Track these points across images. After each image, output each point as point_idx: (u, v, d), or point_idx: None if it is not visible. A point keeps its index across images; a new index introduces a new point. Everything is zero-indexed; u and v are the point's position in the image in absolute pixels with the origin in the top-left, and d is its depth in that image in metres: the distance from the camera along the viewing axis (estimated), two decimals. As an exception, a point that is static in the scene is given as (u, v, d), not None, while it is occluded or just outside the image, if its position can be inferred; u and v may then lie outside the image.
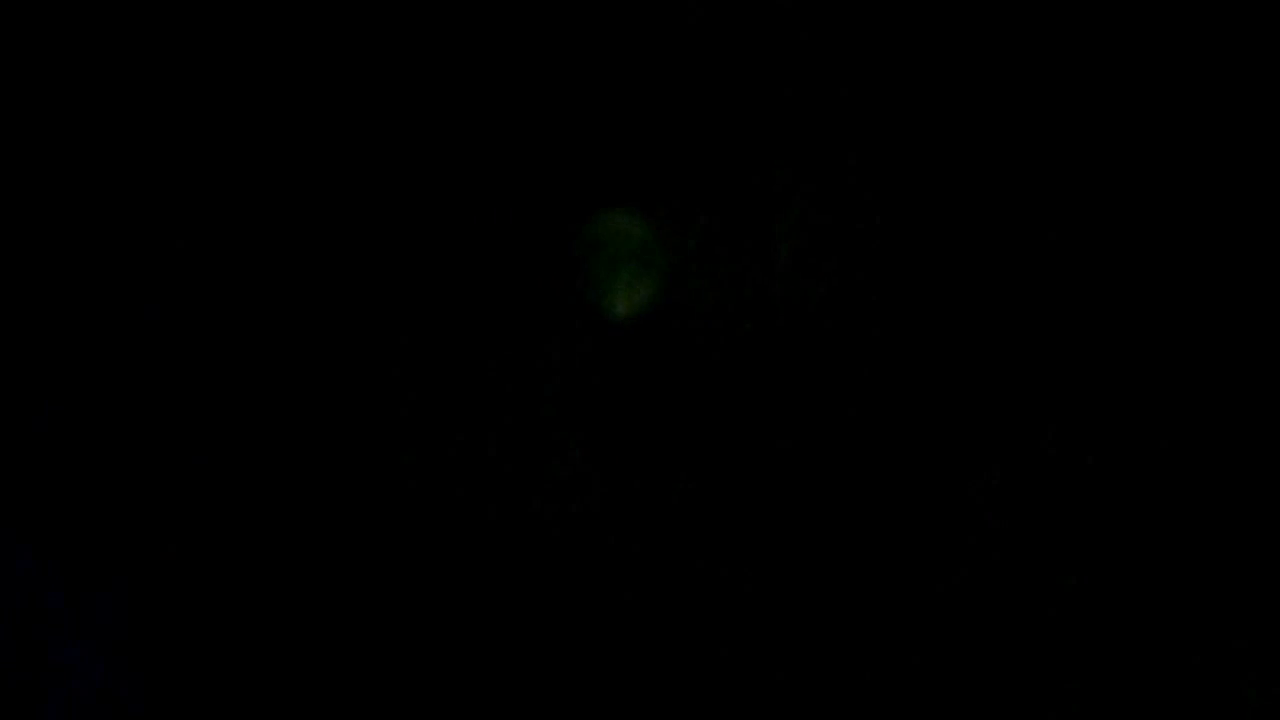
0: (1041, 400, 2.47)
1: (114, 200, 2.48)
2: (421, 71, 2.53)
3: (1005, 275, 2.50)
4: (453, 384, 2.49)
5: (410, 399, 2.48)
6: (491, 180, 2.54)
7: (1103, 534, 2.45)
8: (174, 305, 2.46)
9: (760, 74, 2.54)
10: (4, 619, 2.38)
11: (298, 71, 2.50)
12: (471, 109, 2.54)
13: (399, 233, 2.53)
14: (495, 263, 2.52)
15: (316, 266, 2.51)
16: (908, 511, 2.45)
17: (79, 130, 2.48)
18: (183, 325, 2.47)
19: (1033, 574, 2.44)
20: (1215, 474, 2.45)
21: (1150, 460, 2.46)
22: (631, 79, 2.54)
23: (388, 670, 2.44)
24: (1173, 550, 2.44)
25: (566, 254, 2.52)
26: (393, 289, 2.52)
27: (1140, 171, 2.51)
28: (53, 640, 2.38)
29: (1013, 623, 2.43)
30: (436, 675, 2.43)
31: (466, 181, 2.54)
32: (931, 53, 2.51)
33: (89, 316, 2.46)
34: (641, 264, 2.49)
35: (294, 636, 2.43)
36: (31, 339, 2.45)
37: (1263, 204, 2.49)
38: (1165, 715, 2.40)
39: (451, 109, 2.54)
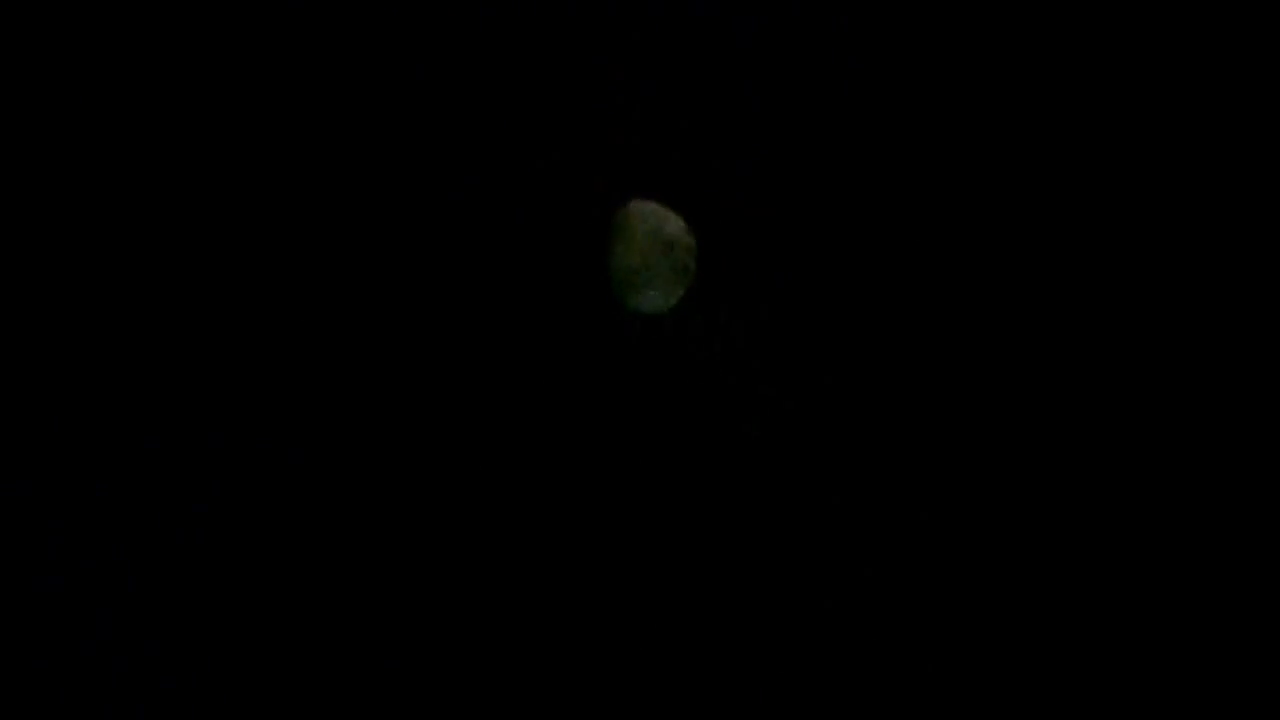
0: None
1: (110, 201, 2.46)
2: (448, 60, 2.51)
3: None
4: (468, 379, 2.49)
5: (423, 395, 2.48)
6: (516, 169, 2.51)
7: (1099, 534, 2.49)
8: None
9: (790, 69, 2.54)
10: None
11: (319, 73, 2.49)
12: (498, 99, 2.51)
13: (417, 224, 2.50)
14: (518, 255, 2.51)
15: (334, 262, 2.49)
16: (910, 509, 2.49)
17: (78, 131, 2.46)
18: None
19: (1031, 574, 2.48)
20: (1214, 474, 2.48)
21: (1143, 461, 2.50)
22: (660, 68, 2.53)
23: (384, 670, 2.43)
24: (1169, 550, 2.47)
25: (590, 247, 2.49)
26: (410, 281, 2.50)
27: (1135, 173, 2.54)
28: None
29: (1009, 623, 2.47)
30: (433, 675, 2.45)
31: (489, 171, 2.51)
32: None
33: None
34: (671, 259, 2.48)
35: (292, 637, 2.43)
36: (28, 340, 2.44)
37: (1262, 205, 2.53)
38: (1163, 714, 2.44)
39: (478, 99, 2.51)
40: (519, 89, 2.50)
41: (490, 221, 2.50)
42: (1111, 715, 2.44)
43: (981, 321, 2.52)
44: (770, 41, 2.53)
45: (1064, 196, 2.53)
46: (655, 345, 2.50)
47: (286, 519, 2.44)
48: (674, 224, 2.48)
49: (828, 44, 2.53)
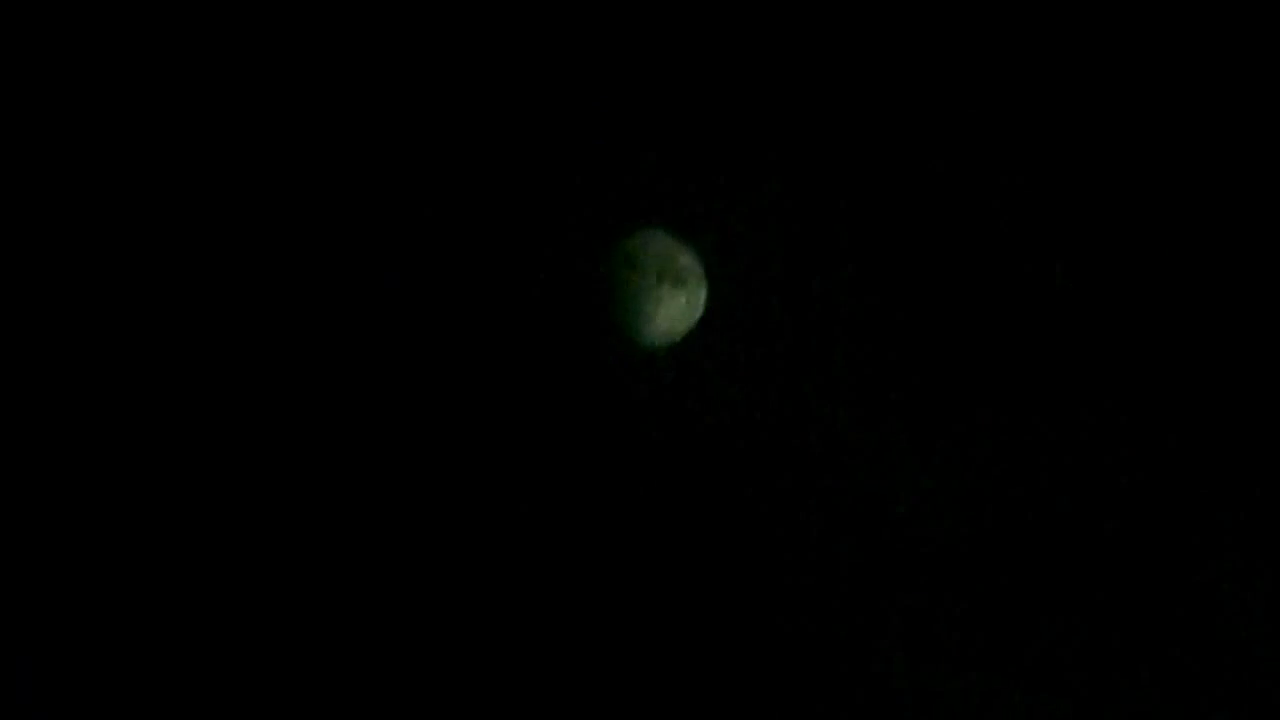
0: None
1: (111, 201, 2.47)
2: (459, 94, 2.49)
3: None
4: (472, 408, 2.47)
5: (427, 426, 2.46)
6: (525, 202, 2.49)
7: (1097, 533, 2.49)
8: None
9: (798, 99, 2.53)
10: None
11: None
12: (509, 131, 2.50)
13: (425, 253, 2.49)
14: (526, 287, 2.48)
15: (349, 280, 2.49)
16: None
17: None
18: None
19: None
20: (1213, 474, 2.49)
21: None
22: (671, 102, 2.50)
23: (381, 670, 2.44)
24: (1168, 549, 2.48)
25: (599, 275, 2.46)
26: (415, 309, 2.48)
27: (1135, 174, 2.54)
28: None
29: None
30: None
31: (499, 203, 2.49)
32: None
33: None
34: (679, 287, 2.44)
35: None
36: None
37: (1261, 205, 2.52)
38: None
39: (489, 132, 2.50)
40: (530, 122, 2.48)
41: (499, 253, 2.47)
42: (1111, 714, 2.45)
43: (990, 353, 2.51)
44: (778, 79, 2.50)
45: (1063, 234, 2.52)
46: (662, 377, 2.48)
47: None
48: (683, 256, 2.45)
49: (835, 83, 2.51)
